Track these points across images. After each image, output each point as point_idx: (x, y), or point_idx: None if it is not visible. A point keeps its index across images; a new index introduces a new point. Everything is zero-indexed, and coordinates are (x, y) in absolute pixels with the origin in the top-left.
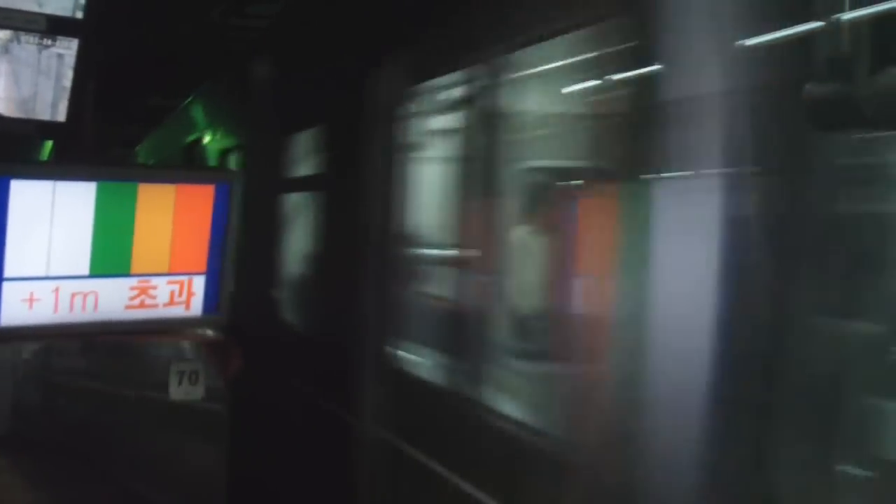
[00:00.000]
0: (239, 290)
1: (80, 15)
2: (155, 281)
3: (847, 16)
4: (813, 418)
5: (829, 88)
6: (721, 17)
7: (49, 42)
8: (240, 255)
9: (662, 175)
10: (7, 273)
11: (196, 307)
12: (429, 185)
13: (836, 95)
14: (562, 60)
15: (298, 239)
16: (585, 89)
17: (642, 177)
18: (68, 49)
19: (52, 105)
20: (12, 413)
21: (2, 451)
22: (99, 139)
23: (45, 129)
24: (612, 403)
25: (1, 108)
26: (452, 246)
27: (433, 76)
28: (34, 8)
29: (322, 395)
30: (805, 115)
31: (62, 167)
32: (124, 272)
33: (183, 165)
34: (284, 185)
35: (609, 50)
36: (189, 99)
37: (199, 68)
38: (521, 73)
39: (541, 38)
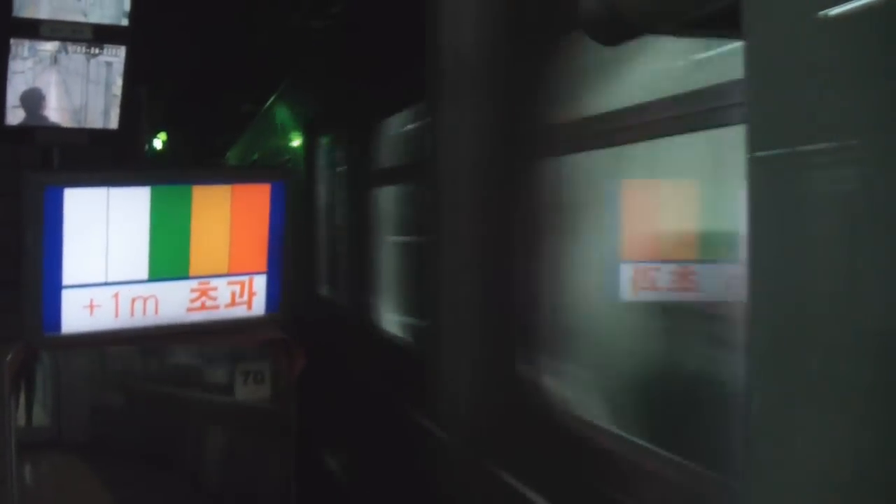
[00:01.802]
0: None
1: (125, 22)
2: (215, 282)
3: None
4: None
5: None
6: None
7: (96, 51)
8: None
9: None
10: (67, 281)
11: (258, 307)
12: None
13: (602, 5)
14: None
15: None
16: None
17: None
18: (116, 57)
19: (103, 113)
20: (91, 419)
21: (82, 457)
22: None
23: (98, 137)
24: None
25: (56, 118)
26: None
27: None
28: (80, 18)
29: None
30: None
31: (114, 173)
32: (183, 275)
33: (236, 165)
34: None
35: None
36: (271, 100)
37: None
38: None
39: None
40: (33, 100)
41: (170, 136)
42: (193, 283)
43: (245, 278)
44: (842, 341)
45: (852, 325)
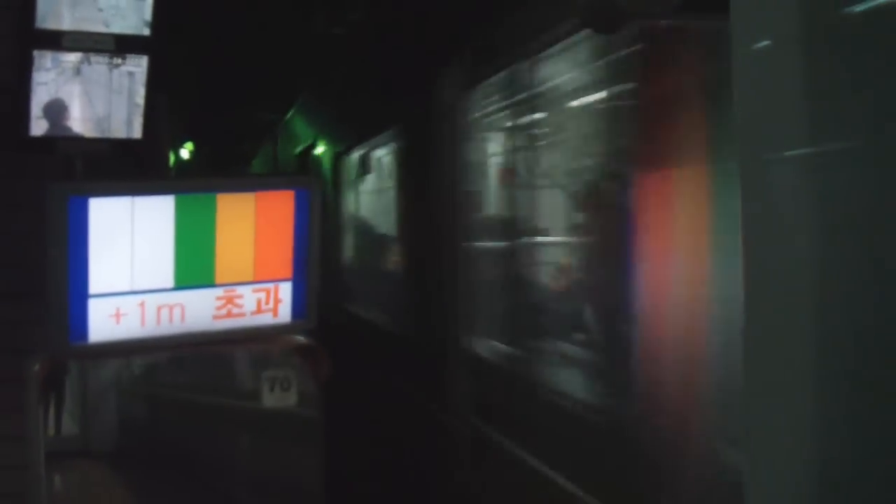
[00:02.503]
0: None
1: (147, 32)
2: (241, 290)
3: None
4: None
5: None
6: None
7: (119, 61)
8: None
9: None
10: (93, 290)
11: (284, 314)
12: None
13: None
14: None
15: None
16: None
17: None
18: (138, 66)
19: (126, 122)
20: (118, 427)
21: (111, 466)
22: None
23: (122, 146)
24: None
25: (79, 129)
26: None
27: None
28: (102, 28)
29: None
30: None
31: (138, 183)
32: (209, 283)
33: (260, 173)
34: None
35: None
36: (294, 109)
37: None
38: None
39: None
40: (56, 110)
41: (196, 145)
42: (219, 291)
43: (271, 285)
44: (835, 339)
45: (845, 322)
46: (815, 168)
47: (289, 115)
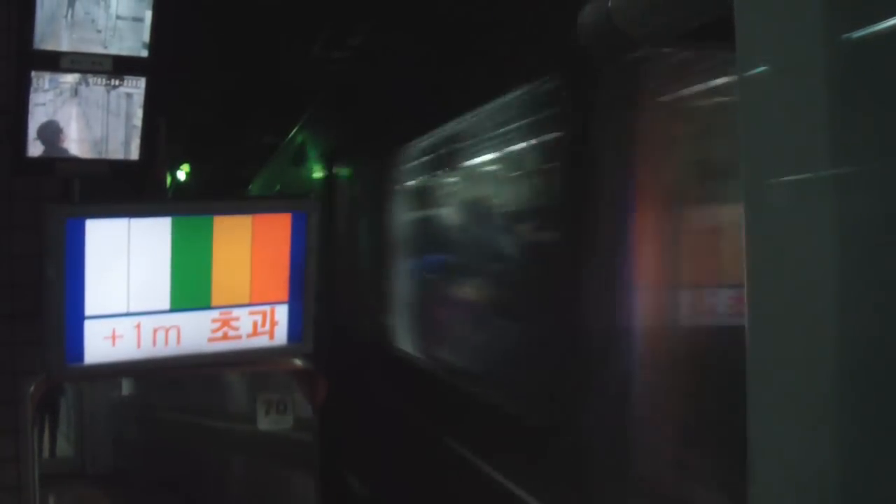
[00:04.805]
0: None
1: (145, 53)
2: (237, 312)
3: None
4: None
5: (591, 13)
6: None
7: (116, 82)
8: None
9: None
10: (89, 311)
11: (280, 336)
12: None
13: (598, 16)
14: None
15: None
16: None
17: None
18: (136, 88)
19: (124, 144)
20: (114, 449)
21: (106, 488)
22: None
23: (119, 168)
24: None
25: (75, 150)
26: None
27: None
28: (100, 50)
29: None
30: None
31: (135, 204)
32: (205, 305)
33: (257, 196)
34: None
35: None
36: (293, 132)
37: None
38: None
39: None
40: (51, 132)
41: (193, 167)
42: (215, 314)
43: (267, 308)
44: (840, 348)
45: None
46: (820, 193)
47: (288, 138)
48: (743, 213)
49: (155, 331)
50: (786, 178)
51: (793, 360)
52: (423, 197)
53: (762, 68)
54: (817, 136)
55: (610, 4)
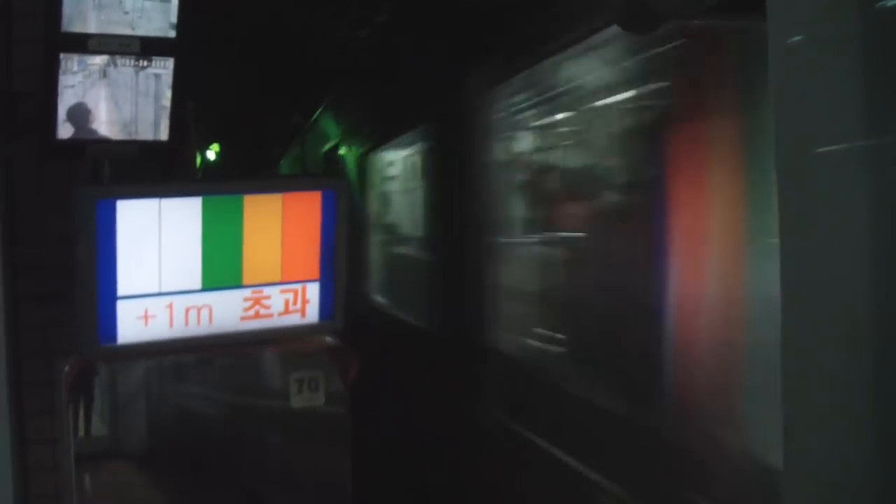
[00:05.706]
0: None
1: (172, 34)
2: (268, 291)
3: None
4: None
5: None
6: None
7: (145, 63)
8: None
9: None
10: (121, 292)
11: (312, 314)
12: None
13: None
14: None
15: None
16: None
17: None
18: (164, 69)
19: (153, 125)
20: (147, 428)
21: (140, 466)
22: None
23: (148, 148)
24: None
25: (105, 132)
26: None
27: None
28: (128, 31)
29: None
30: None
31: (165, 185)
32: (236, 284)
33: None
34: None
35: None
36: (319, 111)
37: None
38: None
39: None
40: (80, 114)
41: (223, 147)
42: (247, 292)
43: (298, 286)
44: (871, 335)
45: (886, 304)
46: (855, 163)
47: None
48: (775, 184)
49: (187, 310)
50: (820, 150)
51: (827, 333)
52: None
53: (796, 38)
54: (852, 106)
55: None
